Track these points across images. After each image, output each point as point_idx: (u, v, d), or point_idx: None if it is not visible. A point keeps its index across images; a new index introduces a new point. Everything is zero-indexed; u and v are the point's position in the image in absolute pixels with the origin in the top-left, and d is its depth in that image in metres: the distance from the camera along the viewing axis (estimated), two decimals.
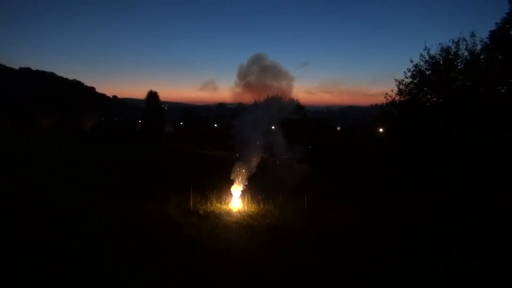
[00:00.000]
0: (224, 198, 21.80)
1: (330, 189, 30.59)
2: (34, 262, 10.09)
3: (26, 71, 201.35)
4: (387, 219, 18.23)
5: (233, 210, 19.92)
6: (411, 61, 24.36)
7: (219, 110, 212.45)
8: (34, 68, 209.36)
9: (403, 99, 24.46)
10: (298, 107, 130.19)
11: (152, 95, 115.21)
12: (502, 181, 19.22)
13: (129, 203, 19.49)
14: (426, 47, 23.71)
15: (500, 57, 22.58)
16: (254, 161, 23.63)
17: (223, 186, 23.68)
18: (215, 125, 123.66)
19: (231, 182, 22.30)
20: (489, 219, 17.21)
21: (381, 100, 25.34)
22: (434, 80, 23.34)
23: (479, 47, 22.65)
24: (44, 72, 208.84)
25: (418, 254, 12.90)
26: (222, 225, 16.56)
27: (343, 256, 12.78)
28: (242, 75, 24.52)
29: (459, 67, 22.97)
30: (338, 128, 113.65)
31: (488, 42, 22.96)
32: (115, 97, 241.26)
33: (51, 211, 15.80)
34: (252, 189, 22.93)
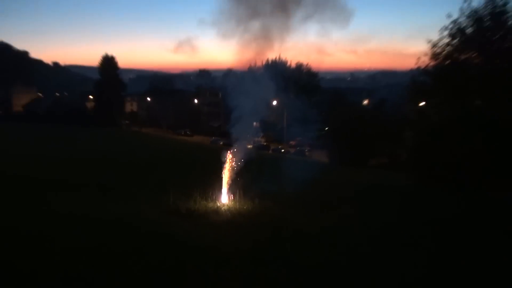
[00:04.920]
0: (211, 194, 23.79)
1: (350, 183, 32.61)
2: None
3: None
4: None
5: (221, 208, 21.92)
6: (449, 17, 25.80)
7: (201, 80, 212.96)
8: None
9: (439, 65, 26.05)
10: (310, 74, 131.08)
11: (108, 61, 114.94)
12: None
13: (91, 202, 21.38)
14: None
15: None
16: (250, 149, 25.39)
17: (209, 181, 25.59)
18: (196, 101, 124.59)
19: (220, 176, 24.18)
20: None
21: (423, 62, 26.56)
22: (478, 40, 24.92)
23: None
24: None
25: None
26: (208, 225, 18.59)
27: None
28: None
29: (509, 23, 24.52)
30: (366, 102, 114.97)
31: None
32: (56, 64, 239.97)
33: None
34: (245, 184, 24.89)
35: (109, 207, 20.98)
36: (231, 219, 20.21)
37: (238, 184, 24.23)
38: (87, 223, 17.49)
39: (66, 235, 15.57)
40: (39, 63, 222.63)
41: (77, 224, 17.21)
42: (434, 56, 26.14)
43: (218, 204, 22.59)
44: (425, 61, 26.66)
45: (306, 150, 79.10)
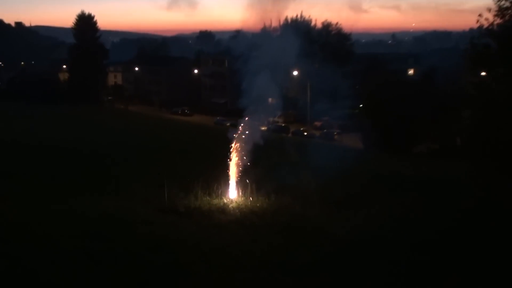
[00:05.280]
0: (215, 188, 24.13)
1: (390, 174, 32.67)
2: None
3: None
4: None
5: (229, 206, 22.25)
6: None
7: (202, 45, 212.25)
8: None
9: (507, 23, 25.56)
10: (340, 37, 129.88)
11: (85, 21, 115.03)
12: None
13: (75, 198, 21.95)
14: None
15: None
16: (264, 132, 25.49)
17: (214, 172, 25.94)
18: (196, 71, 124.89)
19: (227, 167, 24.48)
20: None
21: (486, 20, 25.97)
22: None
23: None
24: None
25: None
26: (212, 226, 18.98)
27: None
28: None
29: None
30: (411, 71, 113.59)
31: None
32: (20, 25, 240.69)
33: None
34: (259, 176, 25.18)
35: (93, 203, 21.52)
36: (240, 218, 20.56)
37: (250, 176, 24.50)
38: (71, 217, 17.99)
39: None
40: None
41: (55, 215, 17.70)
42: (501, 12, 25.64)
43: (225, 201, 22.94)
44: (488, 18, 26.22)
45: (335, 133, 78.56)
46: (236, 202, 22.78)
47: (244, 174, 24.30)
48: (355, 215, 21.69)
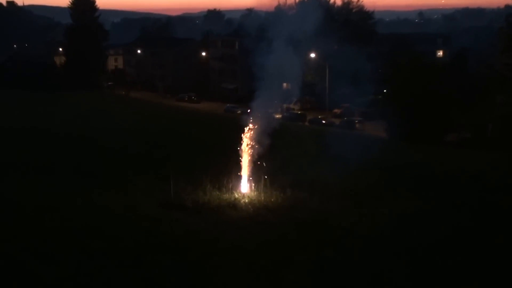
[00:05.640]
0: (225, 182, 24.23)
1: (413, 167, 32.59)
2: None
3: None
4: None
5: (240, 201, 22.37)
6: None
7: (210, 25, 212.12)
8: None
9: None
10: (362, 15, 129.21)
11: (83, 0, 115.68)
12: None
13: (72, 192, 22.22)
14: None
15: None
16: (278, 120, 25.45)
17: (224, 164, 26.01)
18: (203, 54, 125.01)
19: (238, 158, 24.53)
20: None
21: None
22: None
23: None
24: None
25: None
26: (222, 222, 19.11)
27: None
28: None
29: None
30: (440, 52, 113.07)
31: None
32: (11, 4, 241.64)
33: None
34: (273, 168, 25.25)
35: (96, 196, 21.78)
36: (253, 214, 20.67)
37: (263, 168, 24.57)
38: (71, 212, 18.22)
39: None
40: None
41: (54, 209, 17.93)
42: None
43: (236, 196, 23.01)
44: None
45: (357, 121, 78.18)
46: (248, 197, 22.86)
47: (256, 167, 24.33)
48: (375, 210, 21.73)
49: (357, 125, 76.88)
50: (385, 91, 65.36)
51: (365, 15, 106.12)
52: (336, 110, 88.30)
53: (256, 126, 24.35)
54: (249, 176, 24.27)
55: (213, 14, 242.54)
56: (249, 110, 24.88)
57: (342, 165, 26.38)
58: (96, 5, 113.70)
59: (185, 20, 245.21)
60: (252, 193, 23.34)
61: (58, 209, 20.47)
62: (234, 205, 21.68)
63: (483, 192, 25.47)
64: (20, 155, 31.69)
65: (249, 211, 21.05)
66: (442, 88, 56.74)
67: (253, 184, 24.02)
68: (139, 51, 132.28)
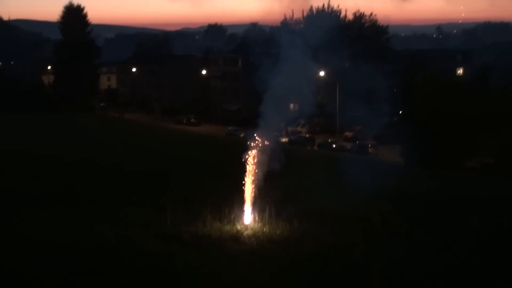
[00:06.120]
0: (227, 212, 24.18)
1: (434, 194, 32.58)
2: None
3: None
4: None
5: (243, 233, 22.34)
6: None
7: (211, 40, 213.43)
8: None
9: None
10: (375, 30, 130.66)
11: (73, 14, 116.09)
12: None
13: (66, 223, 22.18)
14: None
15: None
16: (284, 145, 25.41)
17: (225, 193, 25.91)
18: (204, 72, 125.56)
19: (241, 186, 24.54)
20: None
21: None
22: None
23: None
24: None
25: None
26: (224, 257, 19.02)
27: None
28: None
29: None
30: (460, 71, 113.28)
31: None
32: None
33: None
34: (279, 197, 25.23)
35: (86, 229, 21.71)
36: (257, 248, 20.59)
37: (268, 197, 24.54)
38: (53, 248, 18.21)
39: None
40: None
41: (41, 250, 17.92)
42: None
43: (239, 227, 22.95)
44: None
45: (370, 145, 78.42)
46: (251, 228, 22.79)
47: (261, 196, 24.30)
48: (391, 243, 21.67)
49: (370, 150, 77.07)
50: (400, 112, 65.53)
51: (379, 30, 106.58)
52: (347, 133, 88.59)
53: (260, 151, 24.38)
54: (252, 206, 24.24)
55: (214, 29, 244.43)
56: (255, 134, 24.90)
57: (354, 194, 26.39)
58: (88, 20, 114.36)
59: (184, 35, 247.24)
60: (256, 225, 23.27)
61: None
62: (237, 238, 21.57)
63: (507, 222, 25.41)
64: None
65: (252, 244, 20.97)
66: (463, 109, 56.72)
67: (257, 215, 23.98)
68: (134, 70, 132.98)
